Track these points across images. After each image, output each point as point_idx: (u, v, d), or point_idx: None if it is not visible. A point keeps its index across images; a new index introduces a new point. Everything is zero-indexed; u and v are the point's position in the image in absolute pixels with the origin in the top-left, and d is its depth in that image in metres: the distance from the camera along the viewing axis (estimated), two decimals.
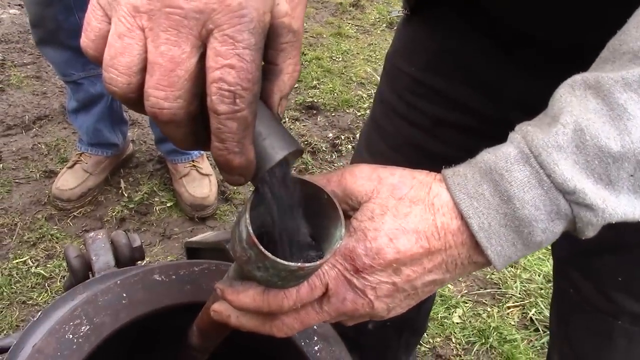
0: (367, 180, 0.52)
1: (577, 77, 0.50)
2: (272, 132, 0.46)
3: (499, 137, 0.52)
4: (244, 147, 0.43)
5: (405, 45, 0.97)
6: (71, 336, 0.64)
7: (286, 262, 0.45)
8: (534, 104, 0.54)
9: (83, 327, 0.65)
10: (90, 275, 0.92)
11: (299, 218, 0.51)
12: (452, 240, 0.50)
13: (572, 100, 0.48)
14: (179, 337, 0.71)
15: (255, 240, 0.45)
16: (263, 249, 0.45)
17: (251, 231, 0.45)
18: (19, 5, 3.52)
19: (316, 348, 0.71)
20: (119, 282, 0.69)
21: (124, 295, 0.68)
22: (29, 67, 3.01)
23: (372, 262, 0.50)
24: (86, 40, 0.44)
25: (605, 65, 0.50)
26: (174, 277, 0.70)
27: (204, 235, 1.16)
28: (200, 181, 2.28)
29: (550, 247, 1.03)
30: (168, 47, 0.40)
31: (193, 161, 2.32)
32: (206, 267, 0.72)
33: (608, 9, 0.52)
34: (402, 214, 0.50)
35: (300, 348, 0.70)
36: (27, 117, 2.65)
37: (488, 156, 0.50)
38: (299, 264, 0.46)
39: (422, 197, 0.51)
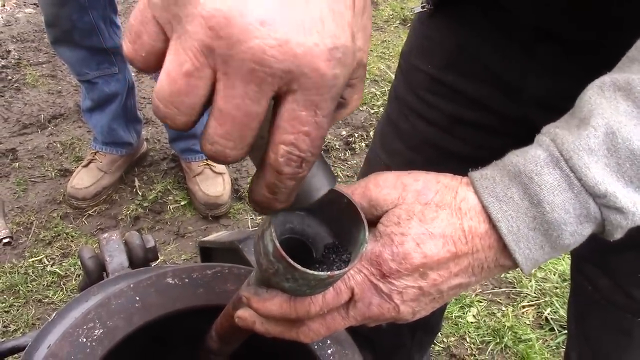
0: (391, 188, 0.52)
1: (606, 79, 0.49)
2: (319, 170, 0.45)
3: (519, 136, 0.52)
4: (290, 197, 0.43)
5: (422, 43, 0.97)
6: (85, 340, 0.64)
7: (316, 272, 0.45)
8: (554, 102, 0.54)
9: (96, 331, 0.65)
10: (105, 276, 0.93)
11: (321, 224, 0.51)
12: (479, 243, 0.50)
13: (602, 102, 0.48)
14: (192, 340, 0.71)
15: (284, 254, 0.44)
16: (292, 262, 0.44)
17: (278, 245, 0.44)
18: (34, 4, 3.54)
19: (329, 351, 0.70)
20: (132, 285, 0.69)
21: (137, 298, 0.68)
22: (44, 65, 3.03)
23: (399, 266, 0.49)
24: (134, 53, 0.39)
25: (632, 65, 0.49)
26: (187, 280, 0.70)
27: (218, 235, 1.16)
28: (213, 180, 2.28)
29: None
30: (245, 101, 0.36)
31: (207, 160, 2.32)
32: (219, 271, 0.72)
33: (627, 6, 0.52)
34: (428, 219, 0.50)
35: (314, 352, 0.70)
36: (42, 115, 2.67)
37: (517, 159, 0.50)
38: (329, 272, 0.45)
39: (448, 202, 0.51)
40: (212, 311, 0.68)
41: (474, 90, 0.88)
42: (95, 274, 0.94)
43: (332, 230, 0.51)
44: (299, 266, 0.45)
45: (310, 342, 0.54)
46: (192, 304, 0.68)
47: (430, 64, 0.94)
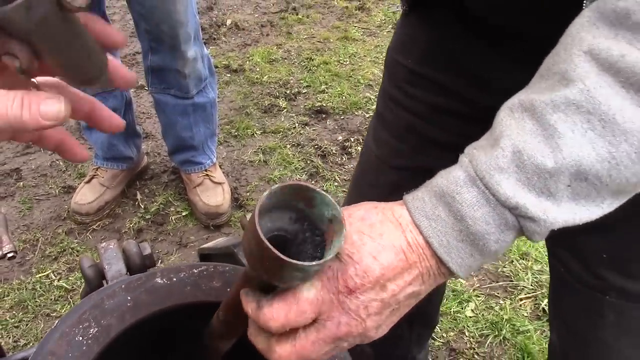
0: None
1: (515, 100, 0.55)
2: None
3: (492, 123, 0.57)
4: None
5: (402, 40, 1.03)
6: (81, 338, 0.69)
7: (284, 257, 0.49)
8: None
9: (91, 330, 0.69)
10: (105, 283, 0.97)
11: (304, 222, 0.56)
12: (422, 253, 0.56)
13: (511, 123, 0.54)
14: (183, 335, 0.76)
15: (271, 247, 0.48)
16: (280, 255, 0.48)
17: (267, 242, 0.49)
18: None
19: None
20: (123, 286, 0.74)
21: (129, 298, 0.72)
22: None
23: (363, 280, 0.55)
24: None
25: (540, 83, 0.55)
26: (174, 279, 0.75)
27: (216, 242, 1.21)
28: (213, 190, 2.34)
29: None
30: None
31: (206, 170, 2.37)
32: (205, 269, 0.77)
33: (575, 10, 0.57)
34: (377, 235, 0.56)
35: None
36: None
37: (441, 180, 0.57)
38: (317, 262, 0.50)
39: (389, 218, 0.57)
40: (200, 307, 0.73)
41: (449, 82, 0.94)
42: (95, 281, 0.99)
43: (311, 224, 0.56)
44: (285, 257, 0.49)
45: None
46: (181, 301, 0.73)
47: (409, 58, 1.00)
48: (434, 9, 0.93)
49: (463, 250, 0.55)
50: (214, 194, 2.34)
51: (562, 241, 0.94)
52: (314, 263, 0.50)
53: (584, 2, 0.57)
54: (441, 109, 0.96)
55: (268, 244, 0.49)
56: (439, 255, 0.56)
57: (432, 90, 0.96)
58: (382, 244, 0.56)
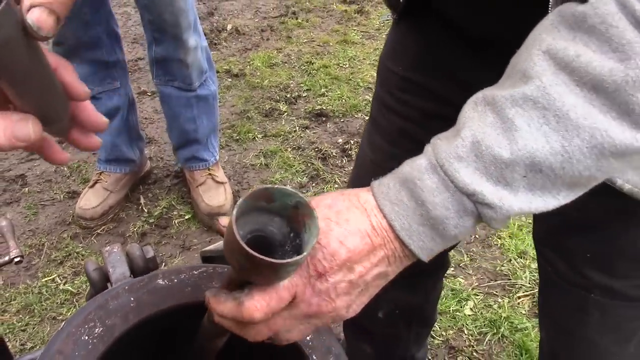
0: None
1: (480, 95, 0.59)
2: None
3: None
4: None
5: (393, 48, 1.06)
6: (87, 337, 0.72)
7: (277, 260, 0.52)
8: None
9: (97, 329, 0.73)
10: (109, 286, 1.01)
11: (282, 222, 0.60)
12: (387, 236, 0.60)
13: (474, 115, 0.58)
14: (184, 334, 0.79)
15: (247, 249, 0.52)
16: (253, 252, 0.52)
17: (242, 243, 0.52)
18: None
19: (308, 338, 0.78)
20: (127, 287, 0.77)
21: (132, 299, 0.76)
22: None
23: (331, 264, 0.58)
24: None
25: (505, 81, 0.59)
26: (175, 280, 0.79)
27: (218, 244, 1.24)
28: (215, 190, 2.38)
29: None
30: None
31: (209, 169, 2.42)
32: (204, 271, 0.81)
33: (533, 15, 0.60)
34: (343, 221, 0.60)
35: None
36: None
37: (406, 167, 0.61)
38: (292, 259, 0.53)
39: (355, 204, 0.61)
40: (200, 307, 0.76)
41: (439, 87, 0.97)
42: (100, 284, 1.02)
43: (292, 229, 0.59)
44: (257, 255, 0.52)
45: (254, 341, 0.62)
46: (182, 301, 0.77)
47: (400, 65, 1.03)
48: (422, 18, 0.96)
49: (424, 233, 0.59)
50: (215, 194, 2.38)
51: (548, 242, 0.98)
52: (289, 260, 0.53)
53: (549, 7, 0.60)
54: (432, 114, 0.99)
55: (244, 245, 0.52)
56: (401, 238, 0.59)
57: (422, 96, 1.00)
58: (348, 229, 0.59)
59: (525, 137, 0.54)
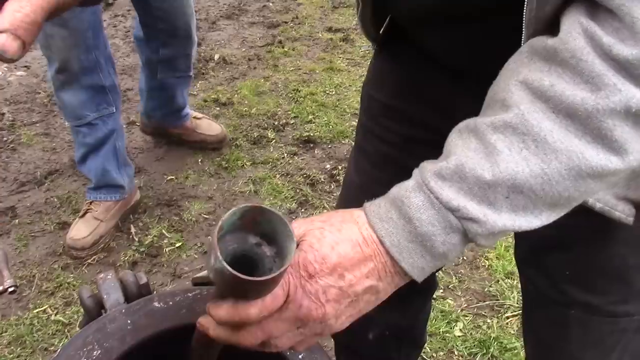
0: (302, 223, 0.66)
1: (463, 124, 0.64)
2: None
3: None
4: None
5: (375, 76, 1.10)
6: None
7: (251, 278, 0.55)
8: None
9: (95, 352, 0.75)
10: (103, 313, 1.03)
11: (263, 241, 0.62)
12: (377, 248, 0.63)
13: (459, 142, 0.62)
14: (179, 355, 0.81)
15: (229, 268, 0.55)
16: (236, 272, 0.54)
17: (224, 262, 0.55)
18: (25, 67, 3.70)
19: (300, 357, 0.81)
20: (123, 310, 0.79)
21: (129, 321, 0.78)
22: (37, 125, 3.16)
23: (321, 266, 0.61)
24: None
25: (486, 110, 0.64)
26: (170, 303, 0.81)
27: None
28: (208, 123, 2.99)
29: None
30: None
31: (194, 117, 2.95)
32: (198, 293, 0.83)
33: (513, 49, 0.65)
34: (336, 230, 0.63)
35: (286, 357, 0.80)
36: (38, 172, 2.79)
37: (396, 189, 0.65)
38: (267, 276, 0.56)
39: (348, 218, 0.65)
40: (194, 329, 0.78)
41: (420, 114, 1.01)
42: (94, 311, 1.04)
43: (272, 246, 0.62)
44: (238, 274, 0.55)
45: (250, 345, 0.64)
46: (177, 323, 0.79)
47: (382, 93, 1.07)
48: (401, 48, 1.00)
49: (413, 250, 0.62)
50: (208, 125, 2.97)
51: (529, 260, 1.01)
52: (268, 277, 0.56)
53: (522, 41, 0.64)
54: (415, 139, 1.03)
55: (225, 264, 0.54)
56: (391, 254, 0.62)
57: (404, 122, 1.03)
58: (340, 237, 0.63)
59: (507, 160, 0.58)
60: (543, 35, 0.61)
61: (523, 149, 0.58)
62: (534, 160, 0.58)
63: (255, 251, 0.62)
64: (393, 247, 0.62)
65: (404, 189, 0.63)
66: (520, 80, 0.60)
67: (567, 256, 0.92)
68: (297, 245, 0.62)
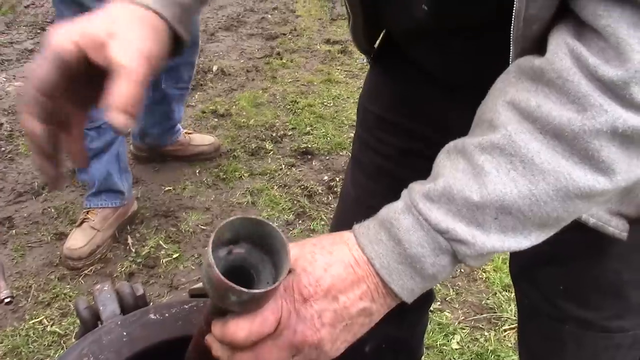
0: (293, 247, 0.65)
1: (452, 144, 0.64)
2: None
3: None
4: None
5: (370, 88, 1.11)
6: None
7: (247, 290, 0.55)
8: None
9: None
10: (99, 324, 1.03)
11: (261, 254, 0.62)
12: (367, 270, 0.63)
13: (447, 163, 0.63)
14: None
15: (224, 279, 0.54)
16: (230, 283, 0.54)
17: (218, 272, 0.55)
18: (24, 77, 3.70)
19: None
20: (119, 322, 0.79)
21: (125, 333, 0.78)
22: None
23: (316, 289, 0.61)
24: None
25: (474, 130, 0.64)
26: (167, 314, 0.81)
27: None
28: (200, 135, 3.04)
29: None
30: None
31: (186, 132, 3.00)
32: (195, 305, 0.83)
33: (502, 65, 0.65)
34: (327, 253, 0.63)
35: None
36: (36, 183, 2.79)
37: (385, 210, 0.65)
38: (265, 289, 0.55)
39: (338, 240, 0.65)
40: (190, 340, 0.78)
41: (414, 127, 1.01)
42: (90, 322, 1.04)
43: (271, 260, 0.62)
44: (228, 281, 0.55)
45: None
46: (173, 334, 0.79)
47: (377, 105, 1.08)
48: (395, 62, 1.01)
49: (403, 272, 0.61)
50: (201, 138, 3.01)
51: (523, 274, 1.01)
52: (257, 291, 0.55)
53: (510, 60, 0.65)
54: (410, 152, 1.03)
55: (218, 272, 0.54)
56: (381, 276, 0.62)
57: (399, 135, 1.04)
58: (332, 259, 0.63)
59: (495, 181, 0.58)
60: (530, 55, 0.61)
61: (511, 170, 0.58)
62: (522, 181, 0.58)
63: (252, 264, 0.62)
64: (383, 268, 0.62)
65: (392, 211, 0.63)
66: (507, 101, 0.60)
67: (561, 271, 0.92)
68: (290, 270, 0.62)
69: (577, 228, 0.72)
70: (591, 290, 0.91)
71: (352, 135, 3.15)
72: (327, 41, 4.42)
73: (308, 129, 3.28)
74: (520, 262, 1.01)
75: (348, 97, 3.63)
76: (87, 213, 2.42)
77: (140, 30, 0.66)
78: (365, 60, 1.07)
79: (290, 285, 0.61)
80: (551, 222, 0.61)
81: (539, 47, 0.61)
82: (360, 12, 0.93)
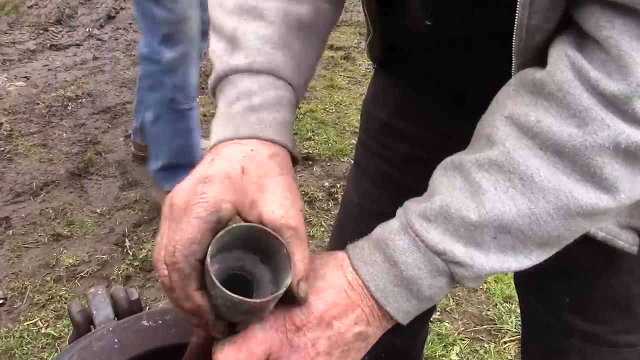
0: None
1: (449, 160, 0.62)
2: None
3: None
4: (188, 295, 0.55)
5: (375, 94, 1.09)
6: None
7: (231, 294, 0.53)
8: None
9: None
10: (92, 328, 1.00)
11: (258, 260, 0.60)
12: (362, 292, 0.60)
13: (443, 180, 0.60)
14: None
15: (223, 289, 0.52)
16: (231, 294, 0.52)
17: (216, 281, 0.53)
18: (25, 77, 3.69)
19: None
20: (111, 329, 0.77)
21: (116, 340, 0.76)
22: (35, 136, 3.14)
23: (308, 317, 0.59)
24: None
25: (473, 145, 0.61)
26: (160, 321, 0.78)
27: None
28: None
29: None
30: None
31: None
32: None
33: (504, 76, 0.63)
34: (320, 276, 0.61)
35: None
36: (34, 183, 2.77)
37: (379, 230, 0.62)
38: (242, 298, 0.53)
39: (331, 261, 0.62)
40: (184, 348, 0.76)
41: (419, 133, 0.99)
42: (83, 326, 1.01)
43: (269, 266, 0.60)
44: (234, 295, 0.53)
45: None
46: (166, 342, 0.76)
47: (381, 111, 1.06)
48: (400, 68, 0.99)
49: (399, 294, 0.59)
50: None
51: (528, 285, 0.98)
52: (256, 300, 0.54)
53: (512, 72, 0.63)
54: (414, 159, 1.01)
55: (216, 282, 0.52)
56: (376, 299, 0.59)
57: (403, 141, 1.02)
58: (324, 284, 0.60)
59: (493, 199, 0.56)
60: (532, 67, 0.59)
61: (509, 188, 0.56)
62: (521, 199, 0.55)
63: (250, 272, 0.60)
64: (378, 291, 0.59)
65: (388, 231, 0.61)
66: (505, 115, 0.58)
67: (568, 283, 0.89)
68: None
69: (586, 240, 0.70)
70: (599, 304, 0.88)
71: (354, 142, 3.15)
72: (331, 47, 4.40)
73: (309, 134, 3.26)
74: (525, 272, 0.98)
75: (350, 104, 3.61)
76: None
77: (280, 176, 0.62)
78: (370, 65, 1.05)
79: (282, 314, 0.59)
80: (552, 241, 0.59)
81: (541, 58, 0.59)
82: (379, 29, 0.92)
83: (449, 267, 0.58)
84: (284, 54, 0.69)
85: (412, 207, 0.60)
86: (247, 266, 0.60)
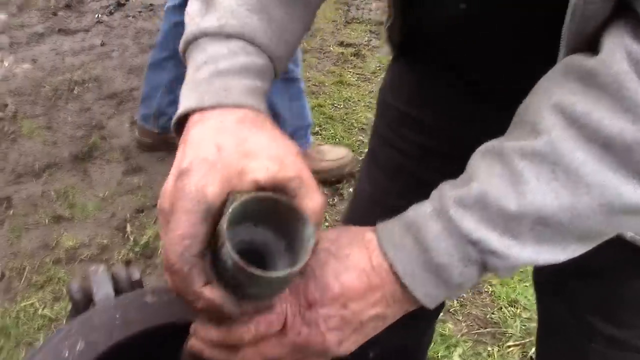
0: None
1: (489, 145, 0.58)
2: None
3: None
4: (196, 293, 0.53)
5: (392, 82, 1.06)
6: (67, 353, 0.68)
7: (276, 273, 0.50)
8: (501, 132, 0.61)
9: (78, 345, 0.69)
10: (92, 307, 0.97)
11: (269, 230, 0.57)
12: (386, 277, 0.57)
13: (481, 165, 0.57)
14: (171, 353, 0.75)
15: (243, 265, 0.49)
16: (253, 270, 0.50)
17: (237, 258, 0.50)
18: (33, 60, 3.66)
19: None
20: (112, 304, 0.74)
21: (117, 315, 0.72)
22: (40, 118, 3.11)
23: (322, 296, 0.57)
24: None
25: (513, 131, 0.58)
26: (164, 298, 0.75)
27: None
28: None
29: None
30: None
31: None
32: None
33: (535, 65, 0.60)
34: (343, 256, 0.58)
35: None
36: (37, 165, 2.74)
37: (411, 212, 0.59)
38: (288, 270, 0.51)
39: (358, 241, 0.59)
40: (188, 326, 0.73)
41: (436, 122, 0.96)
42: (82, 303, 0.98)
43: (281, 235, 0.57)
44: (259, 272, 0.50)
45: None
46: (170, 319, 0.73)
47: (398, 100, 1.02)
48: (420, 55, 0.96)
49: (428, 280, 0.57)
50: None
51: (549, 285, 0.95)
52: (273, 275, 0.51)
53: (559, 58, 0.59)
54: (430, 150, 0.98)
55: (235, 255, 0.50)
56: (405, 284, 0.57)
57: (420, 131, 0.98)
58: (345, 264, 0.58)
59: (534, 191, 0.53)
60: (581, 54, 0.56)
61: (552, 180, 0.53)
62: (564, 192, 0.53)
63: (265, 246, 0.57)
64: (406, 276, 0.57)
65: (420, 215, 0.58)
66: (552, 104, 0.54)
67: (593, 285, 0.86)
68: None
69: (613, 242, 0.67)
70: (625, 307, 0.85)
71: (361, 138, 3.13)
72: (341, 43, 4.36)
73: (317, 129, 3.22)
74: (547, 271, 0.95)
75: (359, 100, 3.57)
76: None
77: (259, 132, 0.59)
78: (380, 64, 1.02)
79: (298, 289, 0.58)
80: (592, 235, 0.56)
81: (589, 45, 0.56)
82: (400, 14, 0.89)
83: (482, 256, 0.55)
84: (260, 19, 0.65)
85: (447, 193, 0.57)
86: (262, 240, 0.58)
